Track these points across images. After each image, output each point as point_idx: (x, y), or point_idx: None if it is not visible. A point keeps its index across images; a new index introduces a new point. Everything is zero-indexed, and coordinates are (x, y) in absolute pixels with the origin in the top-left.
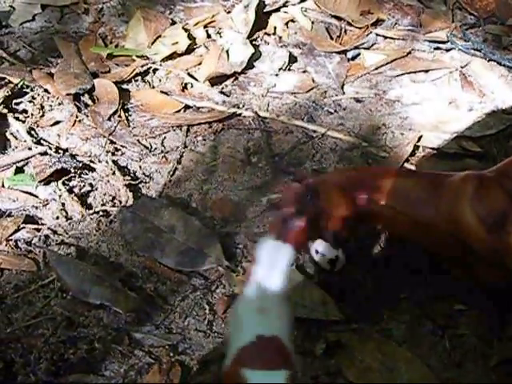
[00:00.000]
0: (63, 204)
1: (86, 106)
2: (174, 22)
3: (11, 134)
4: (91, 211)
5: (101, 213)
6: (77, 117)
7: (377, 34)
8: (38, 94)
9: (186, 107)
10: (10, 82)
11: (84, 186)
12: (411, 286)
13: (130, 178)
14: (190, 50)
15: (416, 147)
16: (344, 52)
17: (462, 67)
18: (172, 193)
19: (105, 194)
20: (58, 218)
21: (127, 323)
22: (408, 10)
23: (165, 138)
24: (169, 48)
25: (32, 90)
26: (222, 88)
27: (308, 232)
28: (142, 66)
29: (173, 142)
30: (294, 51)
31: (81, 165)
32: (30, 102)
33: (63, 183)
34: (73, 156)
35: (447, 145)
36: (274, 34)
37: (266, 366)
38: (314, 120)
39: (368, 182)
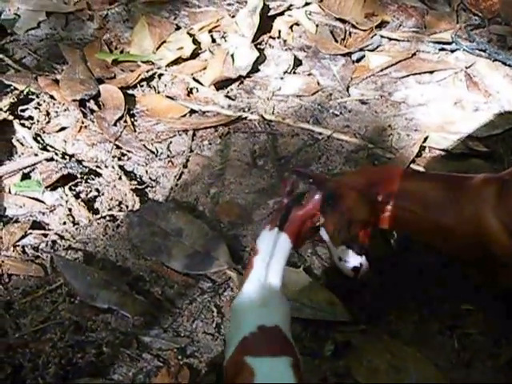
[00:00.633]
0: (70, 209)
1: (92, 111)
2: (178, 27)
3: (17, 140)
4: (98, 216)
5: (108, 217)
6: (83, 122)
7: (381, 36)
8: (44, 101)
9: (192, 112)
10: (15, 88)
11: (90, 191)
12: (419, 286)
13: (136, 182)
14: (194, 55)
15: (422, 148)
16: (349, 54)
17: (467, 68)
18: (179, 197)
19: (111, 199)
20: (64, 223)
21: (135, 327)
22: (412, 11)
23: (171, 142)
24: (174, 53)
25: (38, 97)
26: (228, 92)
27: (306, 223)
28: (148, 72)
29: (179, 146)
30: (299, 54)
31: (87, 170)
32: (36, 108)
33: (70, 189)
34: (79, 161)
35: (453, 145)
36: (279, 37)
37: (270, 352)
38: (319, 122)
39: (387, 186)
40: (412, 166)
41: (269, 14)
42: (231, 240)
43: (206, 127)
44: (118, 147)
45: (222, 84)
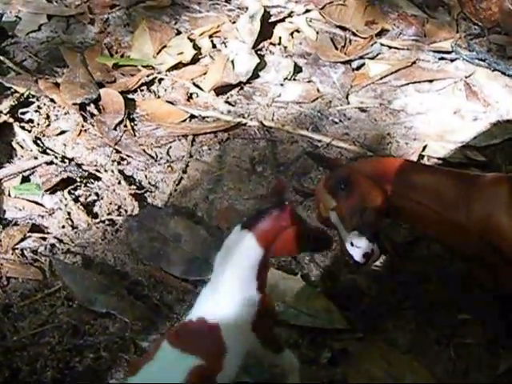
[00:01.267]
0: (69, 213)
1: (92, 115)
2: (179, 32)
3: (17, 143)
4: (97, 220)
5: (107, 222)
6: (82, 126)
7: (381, 44)
8: (44, 104)
9: (192, 117)
10: (15, 91)
11: (90, 195)
12: (416, 295)
13: (135, 187)
14: (195, 60)
15: (421, 157)
16: (349, 62)
17: (466, 77)
18: (178, 202)
19: (110, 203)
20: (63, 226)
21: (133, 331)
22: (412, 20)
23: (170, 147)
24: (174, 58)
25: (38, 100)
26: (227, 98)
27: (275, 231)
28: (148, 76)
29: (178, 151)
30: (299, 61)
31: (86, 174)
32: (36, 111)
33: (69, 192)
34: (79, 165)
35: (452, 154)
36: (279, 44)
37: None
38: (319, 129)
39: (398, 176)
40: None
41: (269, 21)
42: None
43: (206, 133)
44: (118, 151)
45: (221, 89)
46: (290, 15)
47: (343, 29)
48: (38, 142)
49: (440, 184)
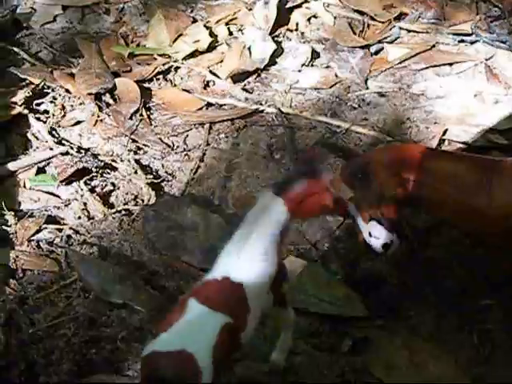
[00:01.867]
0: (85, 204)
1: (108, 105)
2: (195, 20)
3: (32, 134)
4: (113, 210)
5: (123, 212)
6: (98, 116)
7: (400, 28)
8: (59, 95)
9: (208, 105)
10: (31, 82)
11: (106, 185)
12: (438, 281)
13: (152, 176)
14: (211, 48)
15: (442, 141)
16: (367, 47)
17: (486, 59)
18: (195, 191)
19: (127, 193)
20: (79, 217)
21: (150, 322)
22: (431, 2)
23: (187, 136)
24: (190, 46)
25: (53, 91)
26: (245, 85)
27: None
28: (164, 65)
29: (195, 139)
30: (317, 47)
31: (102, 164)
32: (51, 102)
33: (85, 183)
34: (94, 155)
35: (473, 138)
36: (297, 29)
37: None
38: (337, 115)
39: (417, 164)
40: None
41: (286, 7)
42: None
43: (223, 120)
44: (134, 141)
45: (238, 77)
46: (306, 1)
47: (361, 13)
48: (54, 132)
49: (459, 170)
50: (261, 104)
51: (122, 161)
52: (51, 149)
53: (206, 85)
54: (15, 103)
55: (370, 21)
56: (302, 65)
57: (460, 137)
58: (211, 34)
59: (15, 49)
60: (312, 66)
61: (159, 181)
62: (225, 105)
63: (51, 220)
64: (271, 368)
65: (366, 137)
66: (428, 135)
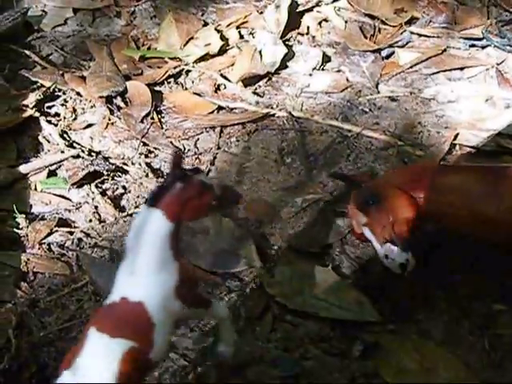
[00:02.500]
0: (96, 207)
1: (119, 108)
2: (206, 24)
3: (44, 137)
4: (124, 214)
5: (134, 215)
6: (109, 119)
7: (411, 32)
8: (71, 97)
9: (219, 108)
10: (42, 85)
11: (117, 188)
12: (449, 285)
13: (163, 179)
14: (222, 51)
15: (453, 145)
16: (378, 51)
17: (498, 64)
18: None
19: (138, 197)
20: (91, 220)
21: None
22: (442, 7)
23: (198, 139)
24: (201, 49)
25: (64, 94)
26: (256, 88)
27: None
28: (175, 68)
29: (206, 143)
30: (328, 51)
31: (114, 167)
32: (63, 105)
33: (96, 186)
34: (105, 159)
35: (484, 143)
36: (308, 33)
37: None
38: (348, 119)
39: (427, 182)
40: (442, 163)
41: (297, 10)
42: (259, 238)
43: (234, 124)
44: (145, 144)
45: (249, 80)
46: (317, 4)
47: (372, 17)
48: (65, 135)
49: (468, 182)
50: (272, 108)
51: (133, 164)
52: (62, 152)
53: (217, 88)
54: (26, 106)
55: (381, 25)
56: (313, 69)
57: (471, 141)
58: (222, 38)
59: (26, 52)
60: (323, 69)
61: None
62: (236, 108)
63: (62, 223)
64: (220, 360)
65: (377, 141)
66: (439, 140)
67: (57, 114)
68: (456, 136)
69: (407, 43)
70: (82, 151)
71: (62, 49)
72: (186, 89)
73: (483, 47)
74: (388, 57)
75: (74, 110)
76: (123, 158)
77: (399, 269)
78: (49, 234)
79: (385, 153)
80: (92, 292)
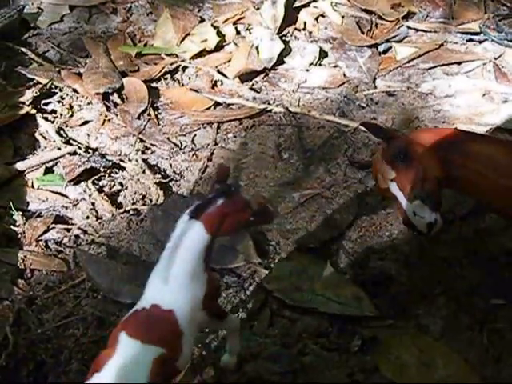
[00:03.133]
0: (93, 203)
1: (115, 105)
2: (202, 20)
3: (40, 134)
4: (121, 210)
5: (131, 212)
6: (106, 116)
7: (408, 27)
8: (67, 94)
9: (216, 104)
10: (38, 82)
11: (114, 185)
12: (447, 280)
13: (160, 176)
14: (219, 47)
15: None
16: (375, 46)
17: (495, 58)
18: (203, 190)
19: (135, 193)
20: (88, 217)
21: None
22: (439, 1)
23: (195, 135)
24: (198, 45)
25: (61, 90)
26: (253, 84)
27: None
28: (171, 64)
29: (203, 139)
30: (325, 46)
31: (110, 164)
32: (59, 102)
33: (93, 183)
34: (102, 155)
35: None
36: (304, 29)
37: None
38: (345, 115)
39: (457, 146)
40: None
41: (294, 6)
42: (256, 234)
43: (231, 120)
44: (142, 141)
45: (246, 76)
46: (314, 0)
47: (369, 12)
48: (61, 132)
49: (496, 153)
50: (269, 103)
51: (129, 160)
52: (59, 148)
53: (214, 84)
54: (23, 103)
55: (377, 20)
56: (310, 64)
57: None
58: (219, 34)
59: (23, 49)
60: (320, 65)
61: (167, 180)
62: (233, 104)
63: (59, 220)
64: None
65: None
66: None
67: (53, 111)
68: None
69: (404, 38)
70: (79, 148)
71: (58, 46)
72: (183, 85)
73: (480, 42)
74: (385, 52)
75: (71, 107)
76: (120, 155)
77: (426, 228)
78: (46, 231)
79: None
80: (89, 289)
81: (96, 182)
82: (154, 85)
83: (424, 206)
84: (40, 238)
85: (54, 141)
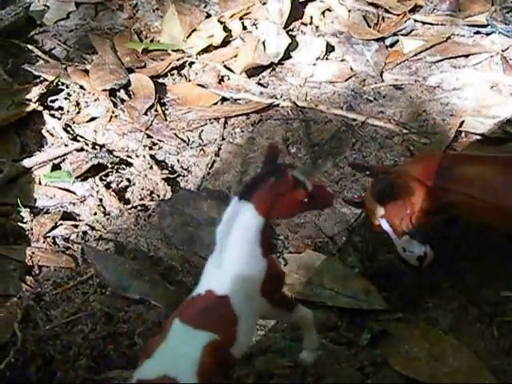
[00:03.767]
0: (101, 200)
1: (122, 101)
2: (209, 15)
3: (47, 131)
4: (129, 206)
5: (139, 207)
6: (113, 112)
7: (415, 20)
8: (74, 91)
9: (223, 99)
10: (45, 79)
11: (121, 181)
12: (457, 273)
13: (167, 171)
14: (225, 43)
15: (458, 133)
16: (382, 39)
17: (503, 51)
18: (211, 185)
19: (142, 189)
20: (95, 213)
21: (167, 317)
22: None
23: (202, 130)
24: (204, 41)
25: (67, 87)
26: (259, 79)
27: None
28: (178, 60)
29: (210, 134)
30: (332, 40)
31: (118, 160)
32: (66, 98)
33: (100, 179)
34: (110, 151)
35: (490, 129)
36: (311, 23)
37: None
38: (353, 108)
39: (445, 172)
40: (448, 151)
41: (300, 0)
42: None
43: (238, 115)
44: (149, 136)
45: (253, 71)
46: None
47: (375, 6)
48: (68, 129)
49: (485, 172)
50: (276, 98)
51: (137, 156)
52: (66, 145)
53: (221, 79)
54: (30, 100)
55: (384, 13)
56: (317, 58)
57: (476, 128)
58: (225, 29)
59: (29, 46)
60: (327, 59)
61: (175, 176)
62: (240, 99)
63: (67, 216)
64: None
65: (382, 130)
66: (444, 127)
67: (60, 108)
68: (461, 123)
69: (411, 31)
70: (86, 144)
71: (64, 43)
72: (190, 80)
73: (488, 34)
74: (392, 45)
75: (78, 104)
76: (127, 151)
77: (417, 262)
78: (53, 228)
79: (390, 141)
80: (97, 285)
81: (103, 178)
82: (160, 81)
83: (412, 241)
84: (48, 235)
85: (61, 137)
